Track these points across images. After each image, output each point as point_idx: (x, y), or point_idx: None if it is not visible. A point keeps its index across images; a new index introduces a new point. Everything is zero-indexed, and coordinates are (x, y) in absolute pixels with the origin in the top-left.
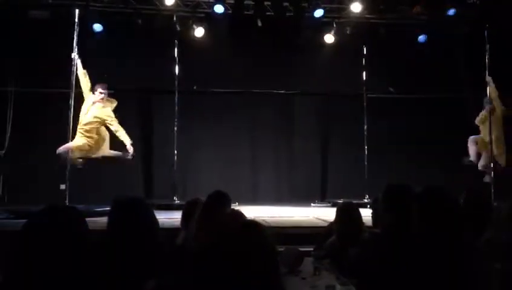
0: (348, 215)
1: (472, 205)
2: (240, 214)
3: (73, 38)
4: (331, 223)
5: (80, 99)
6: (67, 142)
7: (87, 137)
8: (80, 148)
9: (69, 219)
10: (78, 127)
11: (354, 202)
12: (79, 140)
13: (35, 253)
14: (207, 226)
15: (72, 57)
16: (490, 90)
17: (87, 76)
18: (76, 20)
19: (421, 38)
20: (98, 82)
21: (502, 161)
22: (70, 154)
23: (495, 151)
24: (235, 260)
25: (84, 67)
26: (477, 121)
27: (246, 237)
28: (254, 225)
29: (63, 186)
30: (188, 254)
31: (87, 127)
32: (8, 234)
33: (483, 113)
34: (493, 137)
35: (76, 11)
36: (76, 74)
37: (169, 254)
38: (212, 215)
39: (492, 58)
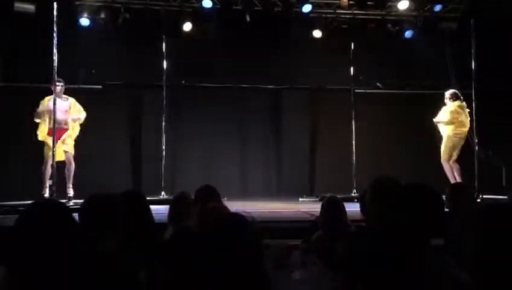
0: (332, 209)
1: (455, 201)
2: (223, 207)
3: (55, 33)
4: (317, 217)
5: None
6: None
7: None
8: None
9: (57, 214)
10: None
11: (342, 196)
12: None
13: (28, 247)
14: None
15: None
16: None
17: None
18: (55, 13)
19: (408, 33)
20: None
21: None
22: None
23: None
24: (220, 252)
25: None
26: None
27: (228, 228)
28: (236, 216)
29: (49, 182)
30: (179, 248)
31: None
32: None
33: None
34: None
35: (55, 5)
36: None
37: (158, 248)
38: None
39: (478, 53)
